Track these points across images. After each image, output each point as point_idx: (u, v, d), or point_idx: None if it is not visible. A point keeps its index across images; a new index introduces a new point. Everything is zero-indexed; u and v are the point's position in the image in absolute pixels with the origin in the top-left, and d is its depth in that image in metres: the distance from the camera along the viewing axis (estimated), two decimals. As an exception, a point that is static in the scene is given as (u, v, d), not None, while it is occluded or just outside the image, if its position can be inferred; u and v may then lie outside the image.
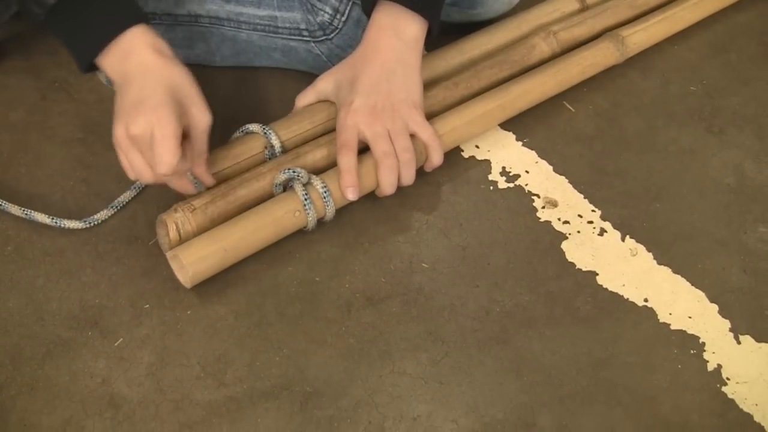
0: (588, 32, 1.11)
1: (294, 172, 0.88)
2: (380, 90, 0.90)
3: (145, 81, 0.81)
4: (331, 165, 0.92)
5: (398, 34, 0.91)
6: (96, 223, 0.91)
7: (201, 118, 0.84)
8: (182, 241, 0.85)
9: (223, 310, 0.86)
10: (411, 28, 0.91)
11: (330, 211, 0.90)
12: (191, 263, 0.83)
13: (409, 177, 0.92)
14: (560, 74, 1.04)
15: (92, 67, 0.85)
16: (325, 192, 0.88)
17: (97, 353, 0.82)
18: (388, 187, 0.91)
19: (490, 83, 1.03)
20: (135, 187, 0.94)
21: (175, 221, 0.85)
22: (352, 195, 0.89)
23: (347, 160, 0.89)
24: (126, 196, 0.93)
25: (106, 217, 0.92)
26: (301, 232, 0.91)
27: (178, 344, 0.83)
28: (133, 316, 0.85)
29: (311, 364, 0.83)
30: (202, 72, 1.08)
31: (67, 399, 0.79)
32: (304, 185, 0.88)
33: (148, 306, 0.86)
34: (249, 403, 0.80)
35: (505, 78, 1.04)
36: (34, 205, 0.93)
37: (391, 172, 0.90)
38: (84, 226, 0.91)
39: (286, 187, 0.89)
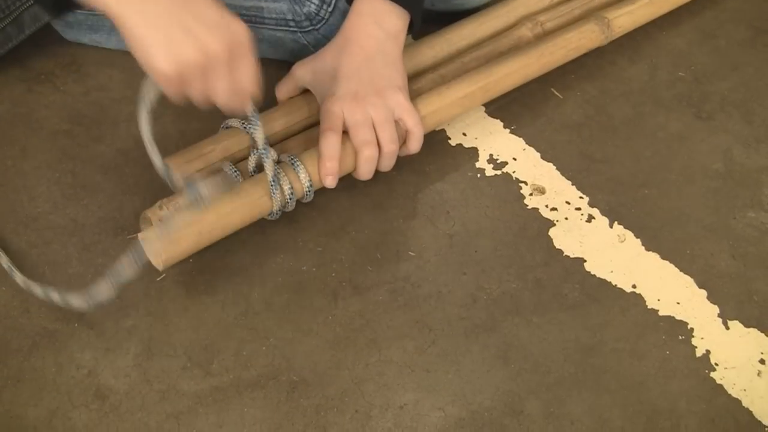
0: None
1: (261, 152, 0.86)
2: (361, 76, 0.89)
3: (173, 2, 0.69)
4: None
5: (379, 23, 0.90)
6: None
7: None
8: None
9: (209, 300, 0.86)
10: (392, 19, 0.90)
11: (306, 184, 0.87)
12: (165, 246, 0.82)
13: (389, 166, 0.91)
14: (544, 57, 1.04)
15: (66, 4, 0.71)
16: (295, 161, 0.86)
17: (83, 345, 0.82)
18: (365, 175, 0.90)
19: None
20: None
21: (161, 219, 0.84)
22: (330, 182, 0.87)
23: (330, 143, 0.86)
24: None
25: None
26: (287, 222, 0.91)
27: (165, 335, 0.83)
28: (120, 307, 0.85)
29: (298, 353, 0.83)
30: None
31: (54, 390, 0.79)
32: (276, 162, 0.86)
33: (134, 297, 0.86)
34: (235, 393, 0.79)
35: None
36: (20, 198, 0.93)
37: (370, 162, 0.89)
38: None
39: (261, 169, 0.88)
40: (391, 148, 0.89)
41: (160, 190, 0.91)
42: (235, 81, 0.73)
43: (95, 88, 1.05)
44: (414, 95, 0.97)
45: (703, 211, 0.97)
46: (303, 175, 0.87)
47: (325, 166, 0.87)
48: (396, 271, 0.89)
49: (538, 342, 0.85)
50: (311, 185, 0.88)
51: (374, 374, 0.81)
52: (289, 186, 0.86)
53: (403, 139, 0.93)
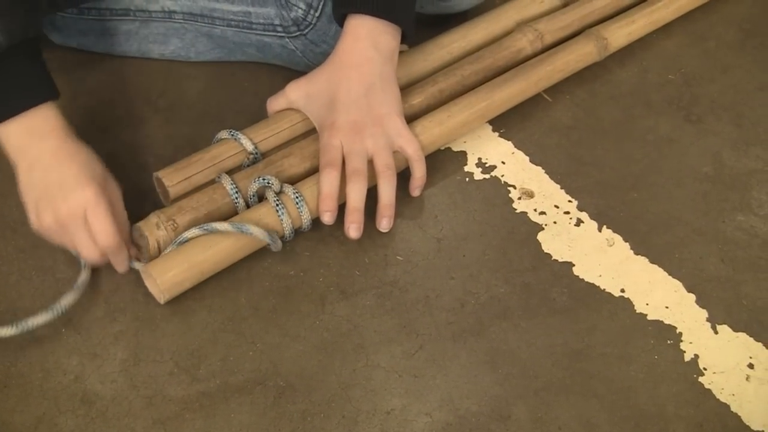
0: (573, 34, 1.11)
1: (265, 179, 0.87)
2: (360, 105, 0.89)
3: (60, 165, 0.82)
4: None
5: (375, 45, 0.89)
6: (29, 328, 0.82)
7: (116, 189, 0.85)
8: (161, 253, 0.85)
9: (196, 305, 0.86)
10: (387, 38, 0.90)
11: (306, 220, 0.88)
12: (168, 288, 0.83)
13: (387, 193, 0.90)
14: (542, 81, 1.04)
15: None
16: (298, 198, 0.87)
17: (70, 350, 0.82)
18: (352, 202, 0.88)
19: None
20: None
21: (158, 239, 0.84)
22: (329, 219, 0.87)
23: (329, 182, 0.87)
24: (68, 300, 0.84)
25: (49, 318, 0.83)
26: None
27: (152, 340, 0.83)
28: (107, 312, 0.85)
29: (285, 358, 0.82)
30: (177, 67, 1.08)
31: (40, 396, 0.79)
32: (277, 194, 0.87)
33: (121, 302, 0.86)
34: (222, 398, 0.79)
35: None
36: (8, 202, 0.93)
37: (358, 191, 0.88)
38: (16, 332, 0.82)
39: (261, 196, 0.88)
40: (387, 173, 0.89)
41: (148, 195, 0.91)
42: (92, 235, 0.82)
43: (83, 93, 1.05)
44: (413, 112, 0.97)
45: (692, 214, 0.97)
46: (305, 214, 0.88)
47: (324, 203, 0.87)
48: (383, 276, 0.89)
49: (525, 347, 0.84)
50: (311, 222, 0.89)
51: (361, 379, 0.81)
52: (290, 226, 0.87)
53: (403, 165, 0.93)
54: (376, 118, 0.89)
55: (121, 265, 0.85)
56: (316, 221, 0.90)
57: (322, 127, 0.91)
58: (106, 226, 0.81)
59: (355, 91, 0.89)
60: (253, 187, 0.87)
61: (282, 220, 0.86)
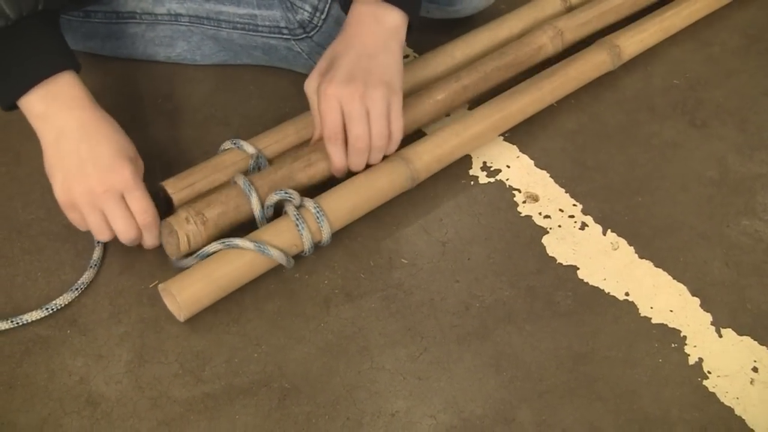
0: (592, 32, 1.12)
1: (286, 193, 0.86)
2: (360, 65, 0.86)
3: (90, 139, 0.81)
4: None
5: (379, 21, 0.88)
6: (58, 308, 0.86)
7: (142, 164, 0.86)
8: (192, 251, 0.85)
9: (201, 307, 0.86)
10: (392, 17, 0.88)
11: (326, 235, 0.88)
12: (187, 306, 0.82)
13: (377, 159, 0.91)
14: (557, 91, 1.04)
15: (14, 106, 0.83)
16: (319, 213, 0.86)
17: (75, 351, 0.82)
18: (355, 168, 0.91)
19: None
20: (93, 265, 0.89)
21: (187, 233, 0.84)
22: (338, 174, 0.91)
23: (338, 154, 0.89)
24: (87, 276, 0.88)
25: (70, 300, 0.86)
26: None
27: (157, 341, 0.83)
28: (112, 314, 0.85)
29: (289, 360, 0.82)
30: (183, 71, 1.09)
31: (45, 397, 0.79)
32: (297, 208, 0.86)
33: (126, 304, 0.86)
34: (227, 400, 0.79)
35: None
36: (14, 204, 0.93)
37: (361, 156, 0.89)
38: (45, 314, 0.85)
39: (278, 208, 0.88)
40: (381, 143, 0.89)
41: (154, 197, 0.91)
42: (130, 211, 0.83)
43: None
44: (437, 108, 0.98)
45: (696, 218, 0.97)
46: (325, 228, 0.87)
47: (340, 172, 0.91)
48: (388, 279, 0.89)
49: (530, 350, 0.84)
50: (330, 237, 0.88)
51: (366, 382, 0.81)
52: (310, 240, 0.87)
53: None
54: (375, 81, 0.86)
55: (154, 240, 0.86)
56: (334, 234, 0.90)
57: (320, 83, 0.88)
58: (146, 204, 0.83)
59: (357, 54, 0.87)
60: (273, 199, 0.87)
61: (302, 234, 0.86)
